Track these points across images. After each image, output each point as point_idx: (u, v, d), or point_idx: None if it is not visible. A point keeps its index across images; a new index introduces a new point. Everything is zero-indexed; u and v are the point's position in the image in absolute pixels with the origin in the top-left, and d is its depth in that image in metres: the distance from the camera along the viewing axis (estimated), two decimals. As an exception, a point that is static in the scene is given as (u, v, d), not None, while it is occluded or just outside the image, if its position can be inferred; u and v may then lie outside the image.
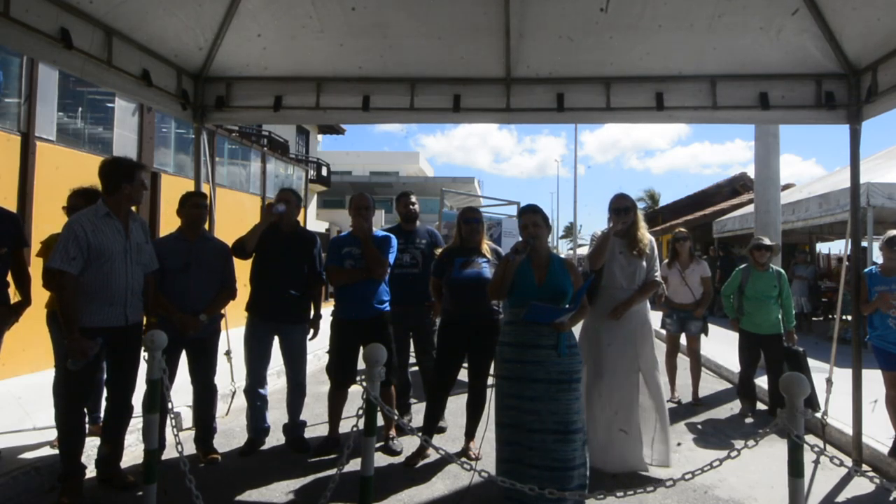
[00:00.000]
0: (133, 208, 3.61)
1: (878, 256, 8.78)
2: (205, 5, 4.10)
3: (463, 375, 4.30)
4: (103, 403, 3.69)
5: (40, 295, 3.99)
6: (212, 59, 4.65)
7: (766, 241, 5.62)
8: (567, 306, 3.24)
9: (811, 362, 5.30)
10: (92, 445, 3.69)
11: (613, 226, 4.04)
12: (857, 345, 4.21)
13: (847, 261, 4.49)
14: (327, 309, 4.51)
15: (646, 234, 4.17)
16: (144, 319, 3.78)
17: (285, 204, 4.22)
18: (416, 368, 5.29)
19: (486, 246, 4.29)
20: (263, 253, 4.26)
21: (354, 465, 2.89)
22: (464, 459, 2.99)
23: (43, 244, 4.14)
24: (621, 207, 4.14)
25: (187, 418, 4.55)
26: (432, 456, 4.16)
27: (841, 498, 3.72)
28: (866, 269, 4.42)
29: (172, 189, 8.51)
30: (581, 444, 3.21)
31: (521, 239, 3.46)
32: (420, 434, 3.37)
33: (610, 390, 3.97)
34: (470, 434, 4.24)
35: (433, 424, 4.24)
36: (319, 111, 4.87)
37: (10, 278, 3.73)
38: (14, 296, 3.77)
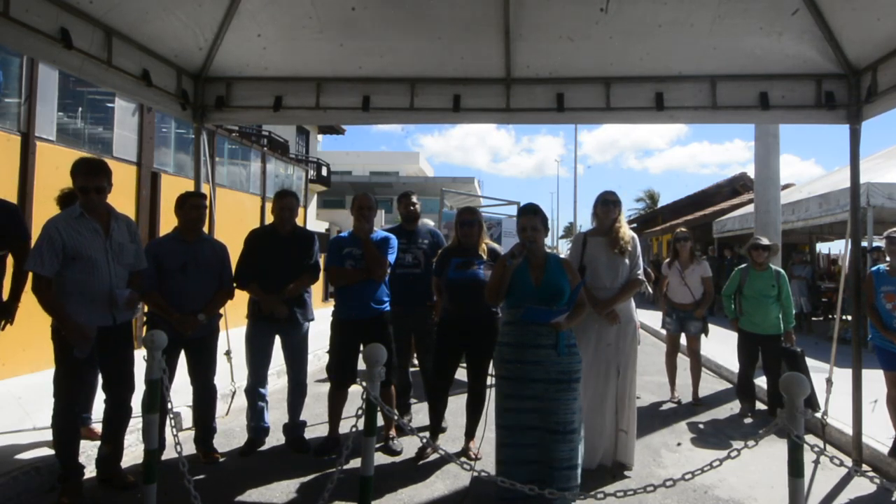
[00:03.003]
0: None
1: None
2: (205, 5, 4.10)
3: (462, 375, 4.30)
4: (99, 406, 3.68)
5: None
6: (212, 59, 4.65)
7: (764, 241, 5.62)
8: (561, 307, 3.24)
9: (811, 362, 5.30)
10: (91, 446, 3.69)
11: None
12: (857, 345, 4.21)
13: (840, 262, 4.47)
14: (327, 309, 4.51)
15: (627, 232, 4.15)
16: (144, 319, 3.78)
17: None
18: (416, 368, 5.29)
19: (485, 246, 4.29)
20: (264, 255, 4.27)
21: (354, 465, 2.89)
22: (463, 459, 2.99)
23: None
24: (610, 200, 4.18)
25: (187, 418, 4.55)
26: (432, 456, 4.17)
27: (841, 498, 3.72)
28: (873, 268, 4.39)
29: (172, 189, 8.49)
30: (577, 444, 3.22)
31: (519, 239, 3.46)
32: (421, 434, 3.37)
33: (606, 390, 3.96)
34: (470, 434, 4.24)
35: (438, 423, 4.31)
36: (319, 111, 4.87)
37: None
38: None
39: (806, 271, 11.86)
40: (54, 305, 3.22)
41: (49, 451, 3.79)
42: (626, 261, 4.09)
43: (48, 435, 3.97)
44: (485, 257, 4.22)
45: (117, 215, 3.53)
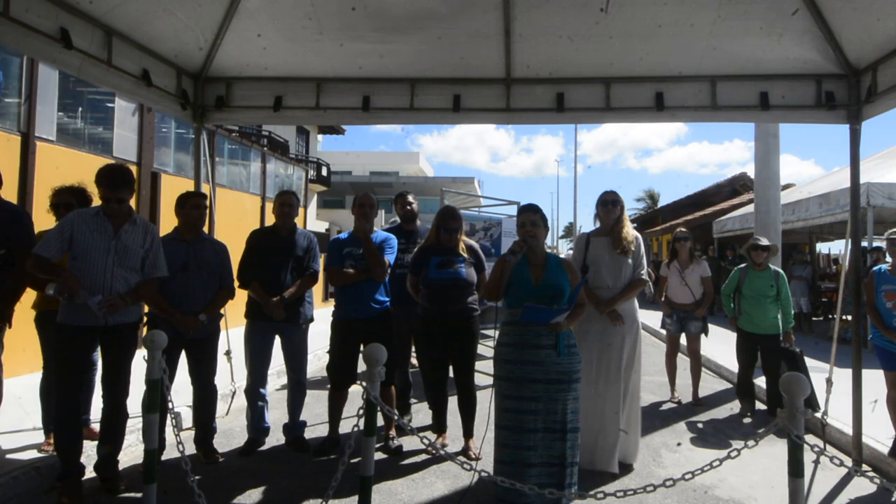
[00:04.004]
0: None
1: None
2: (205, 5, 4.09)
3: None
4: (94, 406, 3.67)
5: (29, 294, 3.98)
6: (212, 59, 4.65)
7: (763, 242, 5.63)
8: (562, 306, 3.24)
9: (811, 362, 5.31)
10: (91, 446, 3.68)
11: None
12: (857, 345, 4.20)
13: (840, 262, 4.47)
14: (328, 309, 4.51)
15: (630, 232, 4.15)
16: (145, 320, 3.76)
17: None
18: (416, 369, 5.29)
19: (463, 244, 4.30)
20: (264, 255, 4.28)
21: (354, 465, 2.89)
22: (463, 459, 2.99)
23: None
24: (609, 200, 4.18)
25: (187, 418, 4.55)
26: (432, 455, 4.17)
27: (841, 498, 3.72)
28: (875, 268, 4.41)
29: (172, 189, 8.50)
30: (576, 443, 3.22)
31: (519, 236, 3.47)
32: (425, 434, 3.37)
33: (607, 390, 3.96)
34: (468, 433, 4.26)
35: (442, 421, 4.37)
36: (319, 111, 4.87)
37: None
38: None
39: (806, 271, 11.84)
40: (45, 267, 3.30)
41: (48, 452, 3.79)
42: (630, 261, 4.08)
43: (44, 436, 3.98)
44: (465, 255, 4.23)
45: (137, 220, 3.55)
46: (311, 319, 4.50)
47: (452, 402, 4.45)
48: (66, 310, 3.34)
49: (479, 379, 4.51)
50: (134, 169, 8.33)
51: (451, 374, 4.36)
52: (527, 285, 3.30)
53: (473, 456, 4.08)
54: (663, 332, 6.44)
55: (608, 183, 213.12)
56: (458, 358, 4.26)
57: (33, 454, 3.81)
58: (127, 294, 3.44)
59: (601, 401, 3.95)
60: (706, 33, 4.12)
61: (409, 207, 4.99)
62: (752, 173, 10.34)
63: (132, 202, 3.65)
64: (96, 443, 3.59)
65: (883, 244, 4.75)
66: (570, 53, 4.42)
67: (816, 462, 3.61)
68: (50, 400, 3.97)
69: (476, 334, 4.38)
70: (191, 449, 4.07)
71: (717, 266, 12.29)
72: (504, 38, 4.28)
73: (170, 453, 3.80)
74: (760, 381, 5.92)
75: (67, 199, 4.02)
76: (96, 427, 4.12)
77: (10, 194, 6.30)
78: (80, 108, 7.77)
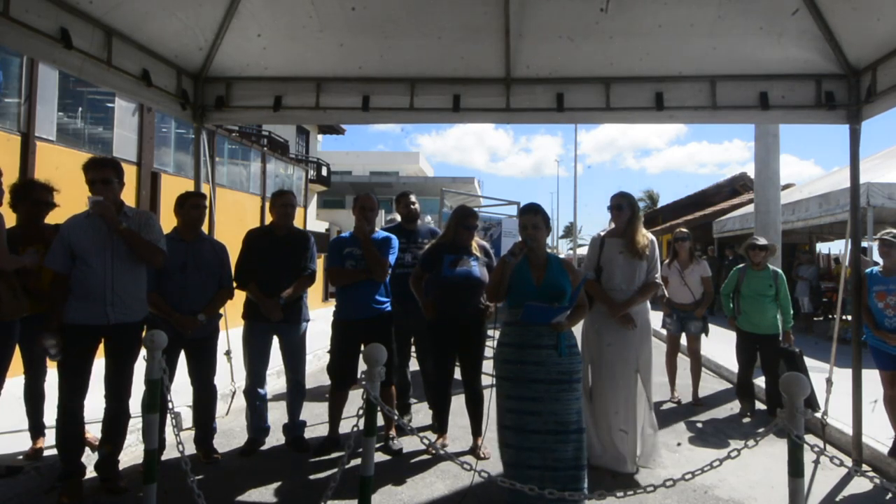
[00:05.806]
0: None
1: (877, 257, 8.79)
2: (205, 5, 4.10)
3: (460, 374, 4.32)
4: (90, 408, 3.65)
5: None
6: (212, 59, 4.65)
7: (762, 241, 5.65)
8: (563, 305, 3.24)
9: (812, 362, 5.30)
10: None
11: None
12: (857, 345, 4.21)
13: (841, 261, 4.48)
14: (328, 309, 4.51)
15: (645, 235, 4.15)
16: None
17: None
18: (416, 368, 5.29)
19: (476, 243, 4.30)
20: (260, 256, 4.27)
21: (355, 464, 2.89)
22: (464, 459, 2.99)
23: None
24: (613, 205, 4.20)
25: (187, 418, 4.55)
26: (432, 456, 4.17)
27: (841, 498, 3.72)
28: (868, 270, 4.42)
29: (172, 189, 8.50)
30: (582, 445, 3.22)
31: (520, 238, 3.47)
32: (426, 434, 3.37)
33: (610, 390, 3.96)
34: (477, 432, 4.26)
35: (444, 422, 4.36)
36: (319, 111, 4.87)
37: None
38: None
39: (810, 272, 11.80)
40: (53, 302, 3.35)
41: (48, 452, 3.79)
42: (644, 264, 4.08)
43: (48, 435, 3.98)
44: (478, 255, 4.24)
45: (129, 212, 3.52)
46: (309, 319, 4.50)
47: (453, 403, 4.45)
48: (72, 310, 3.33)
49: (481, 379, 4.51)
50: (134, 169, 8.34)
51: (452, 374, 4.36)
52: (528, 286, 3.30)
53: (483, 455, 4.09)
54: (663, 332, 6.45)
55: (607, 182, 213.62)
56: (467, 357, 4.25)
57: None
58: (127, 230, 3.37)
59: (602, 400, 3.95)
60: (706, 33, 4.12)
61: (412, 207, 4.99)
62: (752, 173, 10.33)
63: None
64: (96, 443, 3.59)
65: (876, 245, 4.76)
66: (570, 53, 4.42)
67: (816, 462, 3.61)
68: (36, 404, 3.98)
69: (485, 333, 4.37)
70: (191, 449, 4.07)
71: (717, 266, 12.27)
72: (504, 37, 4.28)
73: (170, 453, 3.79)
74: (760, 381, 5.92)
75: (13, 200, 3.83)
76: (92, 428, 4.12)
77: (10, 194, 6.30)
78: (80, 108, 7.77)
